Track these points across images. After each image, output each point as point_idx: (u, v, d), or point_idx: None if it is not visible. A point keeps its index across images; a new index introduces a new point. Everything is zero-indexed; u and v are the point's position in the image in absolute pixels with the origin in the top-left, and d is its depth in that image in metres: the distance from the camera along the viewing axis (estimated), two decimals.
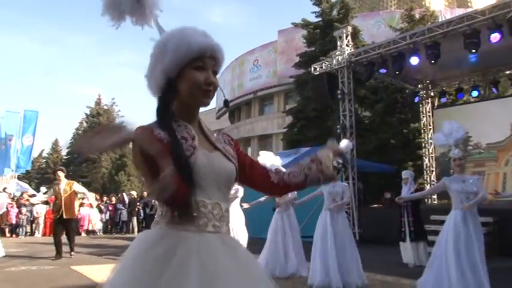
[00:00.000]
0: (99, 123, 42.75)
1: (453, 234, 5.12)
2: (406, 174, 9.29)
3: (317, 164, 1.69)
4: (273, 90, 34.93)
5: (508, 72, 14.38)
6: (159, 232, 1.53)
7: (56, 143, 48.57)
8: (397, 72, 12.54)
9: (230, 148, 1.67)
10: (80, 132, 44.11)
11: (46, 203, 17.44)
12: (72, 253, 9.81)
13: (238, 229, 8.08)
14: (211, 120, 42.79)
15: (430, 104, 16.06)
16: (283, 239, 7.40)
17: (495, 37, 10.12)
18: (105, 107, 44.74)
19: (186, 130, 1.55)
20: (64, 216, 9.64)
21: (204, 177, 1.49)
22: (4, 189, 18.79)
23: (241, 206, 8.15)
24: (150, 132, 1.46)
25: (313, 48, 22.48)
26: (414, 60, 11.81)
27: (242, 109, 39.76)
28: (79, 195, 10.90)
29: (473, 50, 10.62)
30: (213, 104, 43.40)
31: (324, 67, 14.40)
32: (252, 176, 1.73)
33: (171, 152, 1.41)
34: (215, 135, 1.68)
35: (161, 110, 1.56)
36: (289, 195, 7.36)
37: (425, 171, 15.90)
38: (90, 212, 18.29)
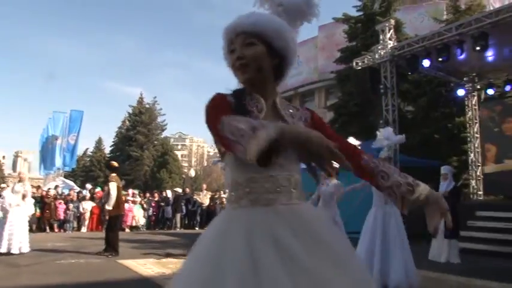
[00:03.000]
0: (141, 122, 43.61)
1: None
2: (445, 169, 9.07)
3: (408, 192, 1.56)
4: (314, 86, 34.73)
5: None
6: (221, 213, 1.69)
7: (99, 142, 49.77)
8: (441, 65, 12.23)
9: (302, 123, 1.69)
10: (122, 130, 45.07)
11: (92, 198, 18.04)
12: (106, 253, 9.13)
13: None
14: None
15: (476, 98, 15.57)
16: None
17: None
18: (147, 106, 45.46)
19: (256, 103, 1.64)
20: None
21: None
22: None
23: None
24: (224, 97, 1.62)
25: (354, 43, 22.22)
26: (459, 52, 11.47)
27: None
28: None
29: None
30: None
31: (366, 61, 14.20)
32: None
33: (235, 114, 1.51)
34: (291, 110, 1.73)
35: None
36: (332, 189, 7.18)
37: (470, 167, 15.44)
38: (134, 209, 18.69)
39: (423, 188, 1.56)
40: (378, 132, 7.22)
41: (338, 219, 7.17)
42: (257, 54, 1.62)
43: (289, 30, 1.70)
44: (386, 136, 6.97)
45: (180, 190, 21.15)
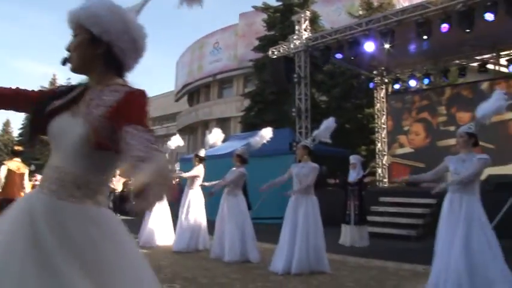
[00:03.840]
0: None
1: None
2: (354, 159, 9.26)
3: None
4: (233, 74, 34.73)
5: (457, 61, 14.84)
6: None
7: (7, 124, 46.97)
8: (352, 58, 12.82)
9: (99, 111, 1.57)
10: None
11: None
12: None
13: (196, 212, 8.18)
14: (170, 103, 42.34)
15: (384, 90, 16.46)
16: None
17: (445, 27, 10.50)
18: None
19: (75, 92, 1.70)
20: None
21: (53, 140, 1.61)
22: None
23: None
24: (59, 86, 1.81)
25: (272, 32, 22.54)
26: (369, 47, 12.07)
27: (201, 92, 39.41)
28: None
29: (424, 38, 10.95)
30: (172, 86, 42.87)
31: (281, 51, 14.51)
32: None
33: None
34: (106, 97, 1.60)
35: None
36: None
37: (377, 156, 16.34)
38: None
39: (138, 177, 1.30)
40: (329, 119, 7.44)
41: (242, 207, 7.43)
42: (77, 44, 1.64)
43: (110, 15, 1.62)
44: (326, 126, 7.32)
45: None
